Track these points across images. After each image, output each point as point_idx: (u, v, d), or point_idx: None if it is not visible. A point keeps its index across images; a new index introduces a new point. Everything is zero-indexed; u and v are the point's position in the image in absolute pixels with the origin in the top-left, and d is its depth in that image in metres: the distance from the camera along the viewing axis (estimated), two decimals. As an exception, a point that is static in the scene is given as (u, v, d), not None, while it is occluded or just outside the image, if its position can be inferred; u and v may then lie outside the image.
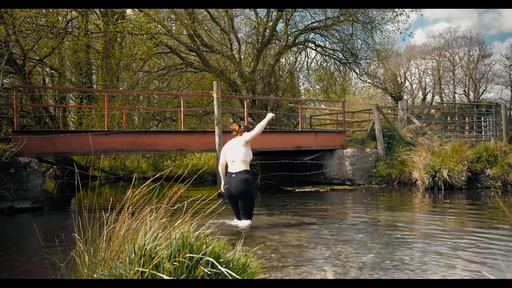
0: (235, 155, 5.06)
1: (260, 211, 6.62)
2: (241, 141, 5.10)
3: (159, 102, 17.41)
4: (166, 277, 1.94)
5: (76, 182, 2.85)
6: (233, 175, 4.99)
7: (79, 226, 2.54)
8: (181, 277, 2.00)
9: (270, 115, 5.15)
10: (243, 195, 4.93)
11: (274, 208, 6.85)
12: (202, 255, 2.06)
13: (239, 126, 5.32)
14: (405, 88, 36.74)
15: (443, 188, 8.87)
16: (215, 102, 8.94)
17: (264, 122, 5.03)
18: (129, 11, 14.61)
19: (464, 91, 37.30)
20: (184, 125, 9.54)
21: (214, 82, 9.11)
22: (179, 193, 2.62)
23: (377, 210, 6.46)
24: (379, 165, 10.72)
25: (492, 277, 2.86)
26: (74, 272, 2.41)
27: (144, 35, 12.60)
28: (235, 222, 5.15)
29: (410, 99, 35.84)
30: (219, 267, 2.01)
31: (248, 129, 5.31)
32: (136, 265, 2.03)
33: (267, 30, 15.59)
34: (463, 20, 56.02)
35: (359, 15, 16.57)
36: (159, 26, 13.50)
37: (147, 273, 1.95)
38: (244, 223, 5.01)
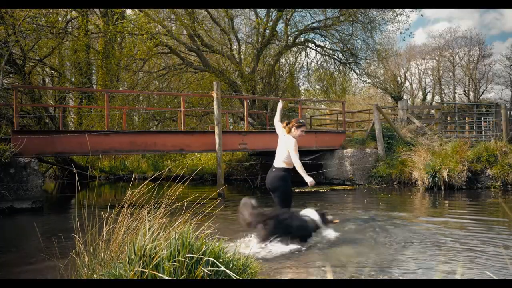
0: (279, 153, 5.15)
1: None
2: (287, 145, 5.04)
3: (159, 102, 17.40)
4: (166, 277, 1.93)
5: (76, 182, 2.85)
6: (273, 169, 5.14)
7: (79, 226, 2.54)
8: (181, 277, 2.00)
9: (309, 181, 4.93)
10: (276, 190, 5.06)
11: (274, 208, 6.83)
12: (202, 255, 2.06)
13: (287, 124, 5.15)
14: (405, 88, 36.73)
15: (443, 188, 8.86)
16: (215, 102, 8.93)
17: (303, 174, 4.94)
18: (129, 11, 14.61)
19: (464, 91, 37.30)
20: (184, 125, 9.54)
21: (214, 82, 9.11)
22: (177, 193, 2.62)
23: (377, 210, 6.46)
24: (379, 165, 10.71)
25: (494, 277, 2.86)
26: (74, 272, 2.41)
27: (144, 35, 12.59)
28: None
29: (410, 99, 35.84)
30: (220, 266, 2.01)
31: (298, 124, 5.08)
32: (136, 265, 2.02)
33: (267, 30, 15.58)
34: (464, 20, 56.05)
35: (359, 15, 16.57)
36: (159, 26, 13.50)
37: (147, 273, 1.94)
38: None
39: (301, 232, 4.05)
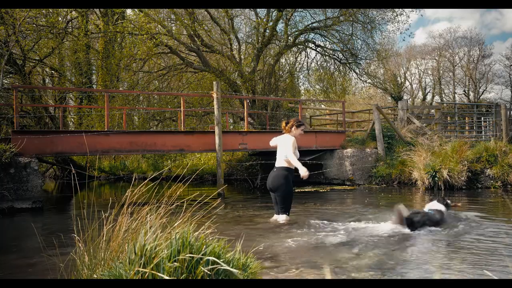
0: (280, 153, 5.23)
1: (260, 211, 6.63)
2: (286, 144, 5.13)
3: (159, 102, 17.40)
4: (166, 277, 1.94)
5: (76, 182, 2.85)
6: (274, 169, 5.24)
7: (79, 226, 2.54)
8: (181, 277, 2.00)
9: (304, 173, 5.01)
10: (277, 189, 5.14)
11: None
12: (202, 255, 2.06)
13: (286, 123, 5.30)
14: (405, 88, 36.74)
15: (443, 188, 8.86)
16: (215, 102, 8.93)
17: (297, 164, 5.00)
18: (129, 11, 14.61)
19: (464, 91, 37.29)
20: (184, 125, 9.54)
21: (214, 82, 9.11)
22: (177, 192, 2.62)
23: (376, 210, 6.45)
24: (379, 165, 10.72)
25: (494, 277, 2.86)
26: (74, 272, 2.41)
27: (144, 35, 12.59)
28: (274, 217, 5.32)
29: (410, 99, 35.85)
30: (221, 264, 2.01)
31: (298, 124, 5.25)
32: (136, 265, 2.02)
33: (267, 30, 15.58)
34: (464, 20, 56.05)
35: (359, 15, 16.57)
36: (159, 26, 13.50)
37: (147, 273, 1.95)
38: (280, 218, 5.20)
39: (438, 225, 4.79)
